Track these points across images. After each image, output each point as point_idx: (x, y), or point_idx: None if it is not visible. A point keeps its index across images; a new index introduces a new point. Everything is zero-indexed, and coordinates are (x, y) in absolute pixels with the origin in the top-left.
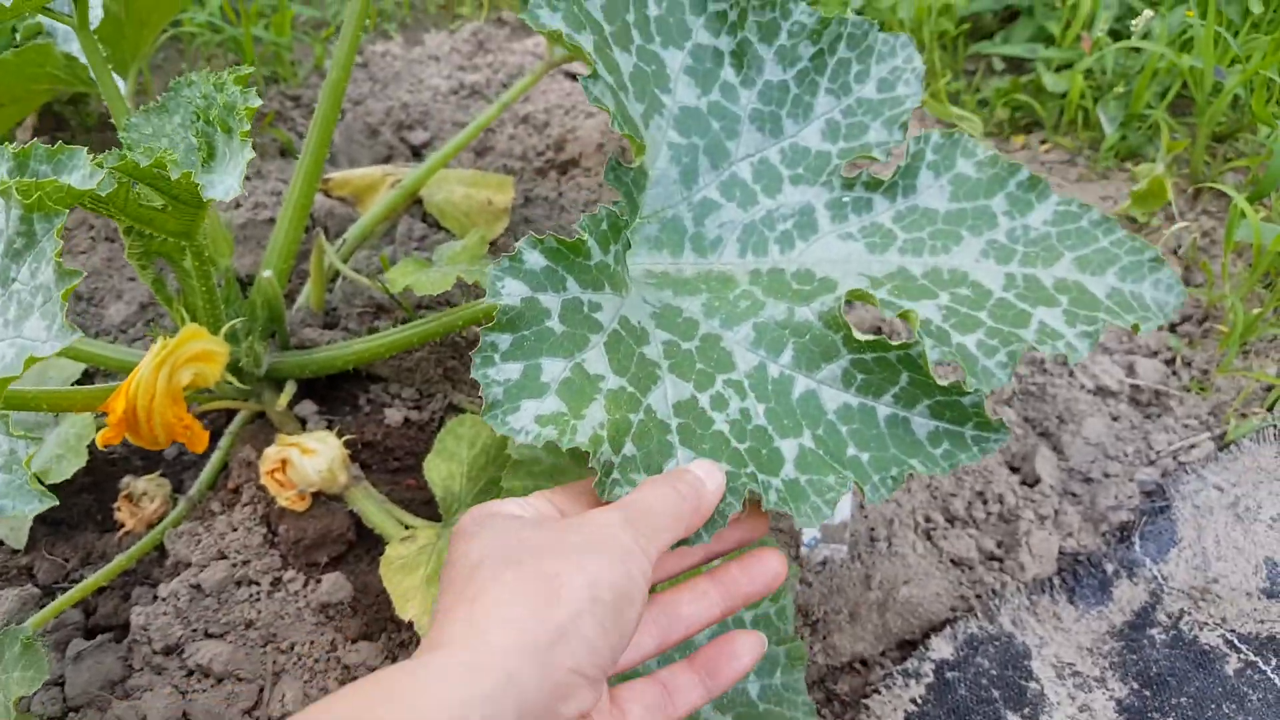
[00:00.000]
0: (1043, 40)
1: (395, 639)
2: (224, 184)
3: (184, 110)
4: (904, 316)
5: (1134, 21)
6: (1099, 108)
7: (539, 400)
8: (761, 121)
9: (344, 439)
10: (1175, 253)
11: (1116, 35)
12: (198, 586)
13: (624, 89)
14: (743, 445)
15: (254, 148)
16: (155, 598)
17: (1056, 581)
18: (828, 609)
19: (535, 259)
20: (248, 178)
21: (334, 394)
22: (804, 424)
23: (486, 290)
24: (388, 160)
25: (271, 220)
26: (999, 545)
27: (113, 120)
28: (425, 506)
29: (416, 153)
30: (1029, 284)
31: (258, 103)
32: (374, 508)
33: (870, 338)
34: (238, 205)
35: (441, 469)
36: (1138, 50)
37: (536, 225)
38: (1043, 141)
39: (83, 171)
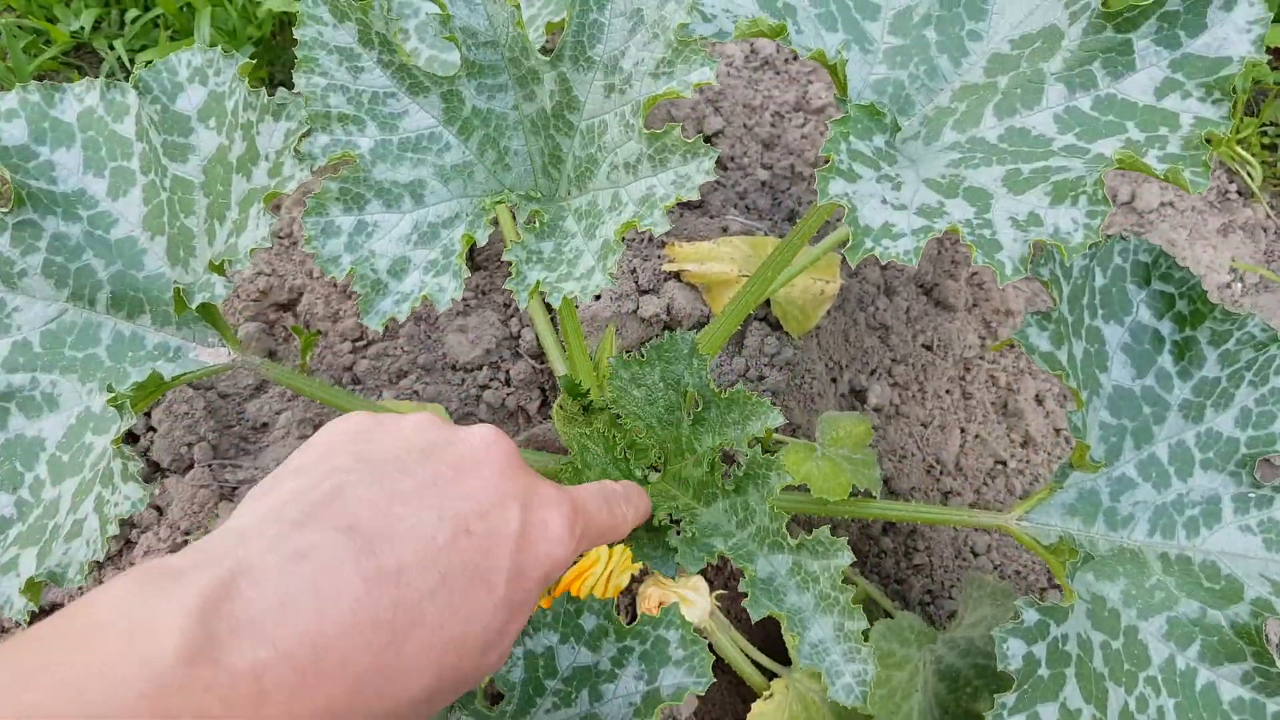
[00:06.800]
0: None
1: None
2: None
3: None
4: None
5: None
6: None
7: None
8: (1188, 410)
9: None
10: None
11: None
12: None
13: (1074, 377)
14: None
15: None
16: None
17: None
18: None
19: (1031, 616)
20: None
21: None
22: (1204, 714)
23: (996, 650)
24: None
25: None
26: None
27: None
28: (764, 644)
29: (708, 140)
30: None
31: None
32: (727, 643)
33: None
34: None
35: None
36: None
37: (846, 299)
38: None
39: None
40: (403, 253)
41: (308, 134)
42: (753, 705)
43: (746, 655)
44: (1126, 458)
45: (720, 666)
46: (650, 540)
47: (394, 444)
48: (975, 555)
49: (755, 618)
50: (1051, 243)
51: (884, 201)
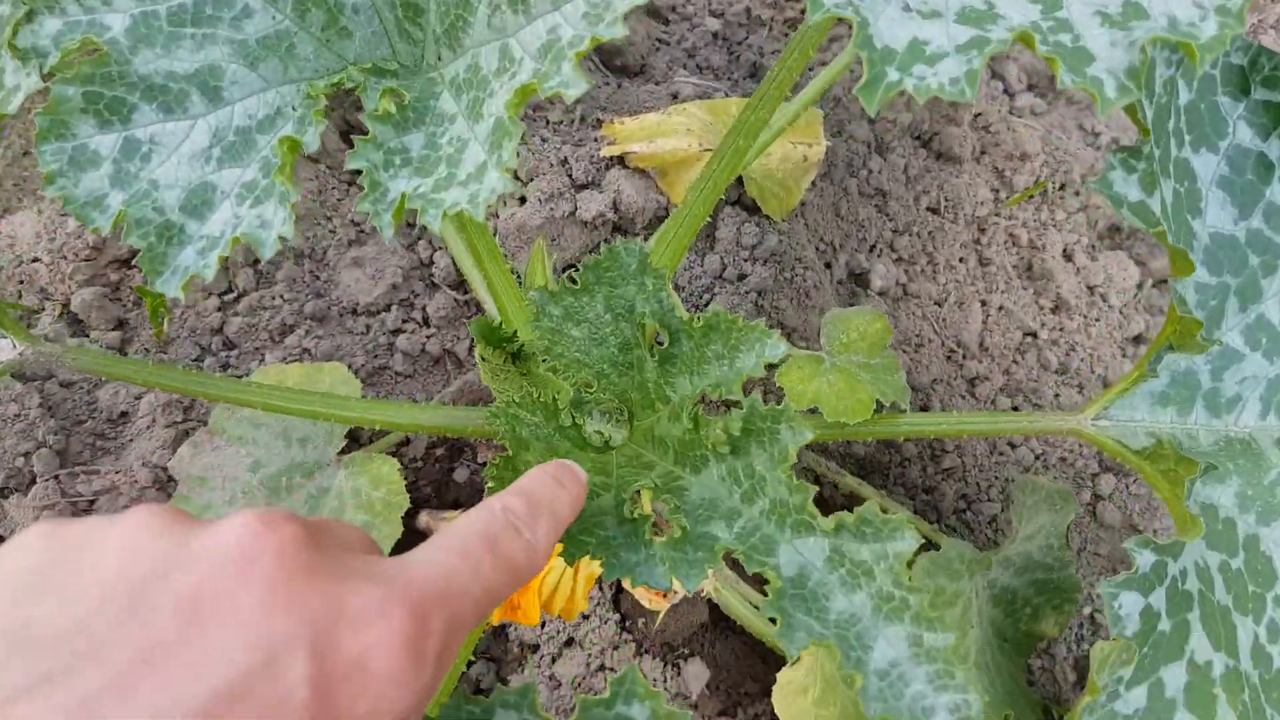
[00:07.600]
0: None
1: (750, 711)
2: None
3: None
4: None
5: None
6: None
7: None
8: None
9: None
10: None
11: None
12: (554, 678)
13: (1171, 231)
14: None
15: None
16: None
17: None
18: None
19: (1146, 559)
20: None
21: None
22: None
23: (1109, 620)
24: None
25: None
26: None
27: None
28: None
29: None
30: None
31: None
32: (737, 601)
33: None
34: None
35: None
36: None
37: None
38: None
39: None
40: (201, 177)
41: (28, 19)
42: (778, 675)
43: (759, 610)
44: (1230, 324)
45: (732, 627)
46: (626, 538)
47: (77, 598)
48: (1013, 447)
49: (794, 651)
50: (1172, 40)
51: (907, 8)
